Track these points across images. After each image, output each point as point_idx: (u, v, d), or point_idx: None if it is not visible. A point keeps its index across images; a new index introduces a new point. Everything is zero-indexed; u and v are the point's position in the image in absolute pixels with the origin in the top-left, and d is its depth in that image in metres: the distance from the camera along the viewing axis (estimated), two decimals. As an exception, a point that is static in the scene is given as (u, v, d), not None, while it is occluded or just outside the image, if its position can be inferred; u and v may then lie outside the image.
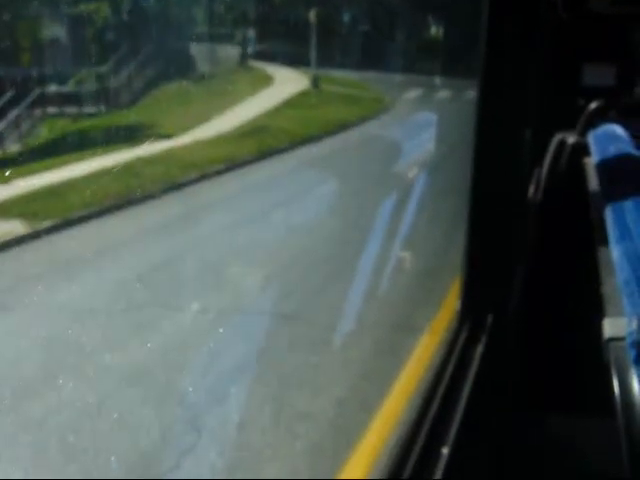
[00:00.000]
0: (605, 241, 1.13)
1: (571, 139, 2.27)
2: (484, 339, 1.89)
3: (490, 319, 1.96)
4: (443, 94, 21.02)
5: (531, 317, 2.09)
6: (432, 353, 5.29)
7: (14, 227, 9.14)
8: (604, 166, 1.59)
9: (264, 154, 13.87)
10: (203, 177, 11.99)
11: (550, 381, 1.98)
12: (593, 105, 2.46)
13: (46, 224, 9.40)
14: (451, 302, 5.82)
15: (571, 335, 1.91)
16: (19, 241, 8.89)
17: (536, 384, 1.97)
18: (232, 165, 12.88)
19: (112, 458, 4.66)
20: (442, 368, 1.74)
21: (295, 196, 10.86)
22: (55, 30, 20.47)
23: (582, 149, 2.08)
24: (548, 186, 2.30)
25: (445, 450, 1.43)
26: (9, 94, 16.95)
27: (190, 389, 5.50)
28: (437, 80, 22.13)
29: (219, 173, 12.40)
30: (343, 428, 5.00)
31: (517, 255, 2.11)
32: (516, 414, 1.88)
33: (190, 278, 7.70)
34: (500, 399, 1.90)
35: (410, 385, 5.14)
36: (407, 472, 1.37)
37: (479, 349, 1.84)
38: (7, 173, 12.04)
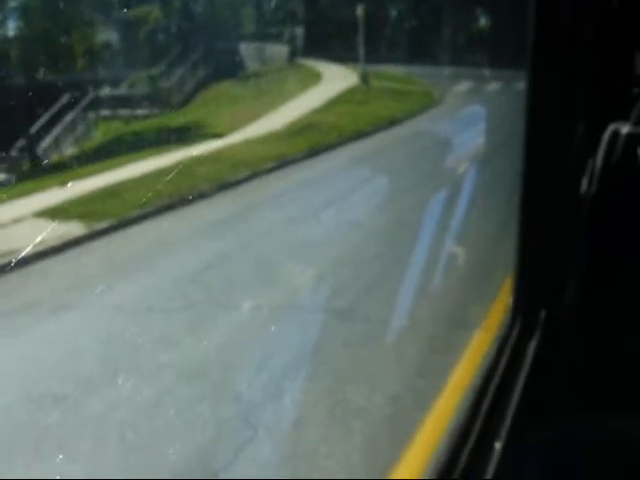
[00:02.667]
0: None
1: (625, 129, 2.23)
2: (537, 334, 1.86)
3: (544, 314, 1.94)
4: (493, 86, 20.75)
5: (586, 312, 2.05)
6: (485, 349, 5.24)
7: (73, 228, 9.37)
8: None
9: (314, 151, 13.90)
10: (254, 175, 12.08)
11: (606, 379, 1.95)
12: (648, 94, 2.40)
13: (103, 225, 9.61)
14: (504, 298, 5.76)
15: (629, 331, 1.88)
16: (78, 242, 9.11)
17: (592, 382, 1.94)
18: (283, 162, 12.96)
19: (170, 452, 4.74)
20: (494, 364, 1.73)
21: (345, 193, 10.86)
22: (108, 34, 20.87)
23: (637, 139, 2.04)
24: (602, 178, 2.26)
25: (498, 445, 1.43)
26: (64, 98, 17.35)
27: (245, 386, 5.56)
28: (486, 72, 21.85)
29: (270, 171, 12.48)
30: (397, 424, 4.99)
31: (571, 249, 2.08)
32: (569, 413, 1.85)
33: (243, 276, 7.78)
34: (554, 396, 1.87)
35: (464, 381, 5.11)
36: (460, 466, 1.37)
37: (532, 344, 1.83)
38: (64, 176, 12.34)
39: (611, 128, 2.27)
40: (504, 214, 7.83)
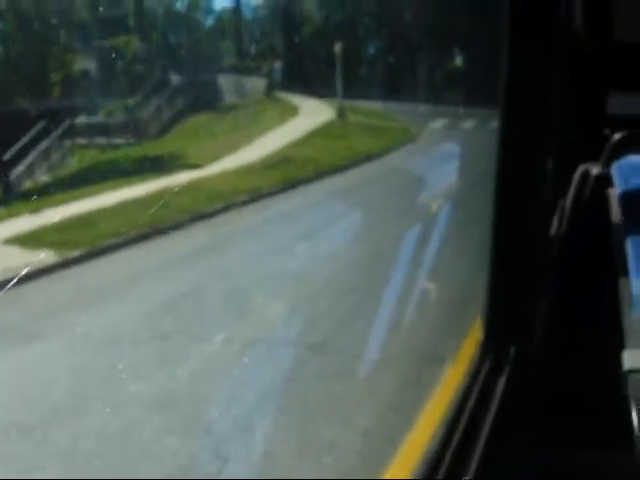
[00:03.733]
0: (627, 273, 1.14)
1: (595, 170, 2.27)
2: (507, 370, 1.88)
3: (513, 350, 1.96)
4: (467, 124, 21.03)
5: (554, 349, 2.08)
6: (456, 384, 5.25)
7: (44, 256, 9.27)
8: (626, 198, 1.60)
9: (290, 184, 13.93)
10: (229, 207, 12.06)
11: (575, 415, 1.97)
12: (617, 136, 2.46)
13: (75, 253, 9.52)
14: (476, 334, 5.79)
15: (593, 367, 1.90)
16: (49, 270, 9.01)
17: (558, 417, 1.96)
18: (258, 195, 12.96)
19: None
20: (464, 399, 1.74)
21: (320, 227, 10.90)
22: (85, 62, 20.87)
23: (606, 180, 2.09)
24: (572, 218, 2.29)
25: (467, 481, 1.43)
26: (39, 125, 17.26)
27: (216, 418, 5.51)
28: (461, 110, 22.16)
29: (245, 204, 12.47)
30: (369, 459, 4.97)
31: (540, 287, 2.11)
32: (538, 448, 1.87)
33: (216, 308, 7.74)
34: (523, 432, 1.89)
35: (435, 416, 5.11)
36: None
37: (502, 381, 1.84)
38: (37, 203, 12.24)
39: (581, 169, 2.31)
40: (476, 251, 7.90)
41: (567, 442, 1.87)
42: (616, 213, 1.81)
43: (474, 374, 1.87)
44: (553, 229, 2.41)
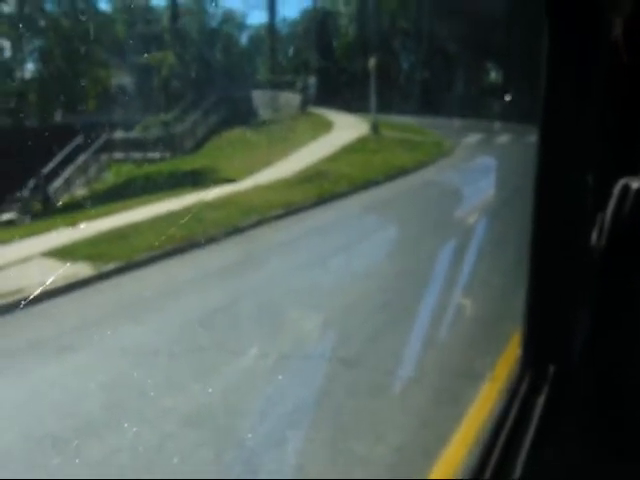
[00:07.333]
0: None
1: (636, 184, 2.23)
2: (546, 389, 1.84)
3: (552, 369, 1.92)
4: (503, 138, 20.91)
5: (596, 367, 2.03)
6: (493, 402, 5.18)
7: (81, 269, 9.38)
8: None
9: (324, 199, 13.96)
10: (263, 222, 12.12)
11: (618, 434, 1.91)
12: (658, 150, 2.41)
13: (111, 266, 9.63)
14: (513, 351, 5.71)
15: (638, 386, 1.85)
16: (85, 283, 9.12)
17: (603, 437, 1.91)
18: (292, 210, 13.01)
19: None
20: (503, 418, 1.70)
21: (354, 241, 10.87)
22: (122, 78, 21.19)
23: (647, 194, 2.04)
24: (612, 232, 2.25)
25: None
26: (77, 140, 17.54)
27: (249, 432, 5.49)
28: (496, 125, 22.05)
29: (279, 218, 12.52)
30: (402, 476, 4.91)
31: (580, 303, 2.06)
32: (579, 473, 1.81)
33: (250, 322, 7.75)
34: (564, 452, 1.84)
35: (470, 434, 5.03)
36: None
37: (541, 400, 1.80)
38: (74, 216, 12.42)
39: (621, 182, 2.27)
40: (513, 266, 7.81)
41: (610, 464, 1.82)
42: (658, 228, 1.77)
43: (512, 393, 1.83)
44: (592, 243, 2.36)
